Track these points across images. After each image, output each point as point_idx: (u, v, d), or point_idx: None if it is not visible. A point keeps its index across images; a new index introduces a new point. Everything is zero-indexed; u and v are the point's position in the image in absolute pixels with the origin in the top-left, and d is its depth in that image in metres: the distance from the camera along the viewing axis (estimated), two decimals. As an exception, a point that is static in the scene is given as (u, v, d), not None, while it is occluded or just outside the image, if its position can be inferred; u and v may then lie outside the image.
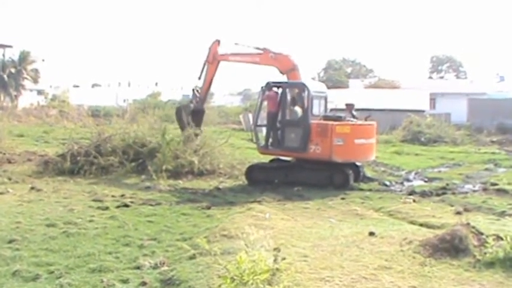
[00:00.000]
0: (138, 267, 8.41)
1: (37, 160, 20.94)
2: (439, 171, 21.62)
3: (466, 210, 13.15)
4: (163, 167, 18.22)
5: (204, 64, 20.75)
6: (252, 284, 6.12)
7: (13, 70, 65.36)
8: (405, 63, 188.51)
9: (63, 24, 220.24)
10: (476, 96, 55.55)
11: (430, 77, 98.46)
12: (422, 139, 35.10)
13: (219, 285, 6.42)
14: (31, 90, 70.23)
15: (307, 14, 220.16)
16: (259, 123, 18.80)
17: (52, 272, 8.08)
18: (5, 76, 64.16)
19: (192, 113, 20.87)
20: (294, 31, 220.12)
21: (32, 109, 55.08)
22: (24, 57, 67.21)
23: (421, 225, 11.48)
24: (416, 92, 53.05)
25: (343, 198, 15.20)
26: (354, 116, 18.80)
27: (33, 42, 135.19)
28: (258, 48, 19.32)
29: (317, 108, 17.88)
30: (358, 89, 61.44)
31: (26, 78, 67.04)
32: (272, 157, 18.91)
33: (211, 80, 20.78)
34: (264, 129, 18.66)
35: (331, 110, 20.21)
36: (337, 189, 16.43)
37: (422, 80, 78.10)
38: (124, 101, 51.44)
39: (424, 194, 15.89)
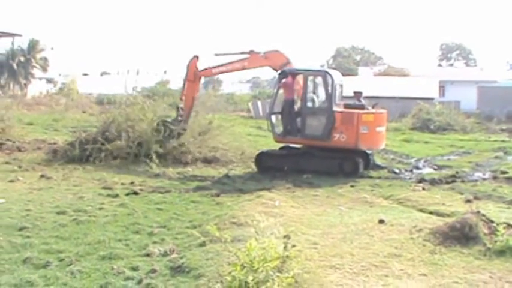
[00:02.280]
0: (148, 255, 8.43)
1: (46, 148, 21.01)
2: (449, 159, 21.55)
3: (476, 198, 13.10)
4: (152, 151, 18.33)
5: (184, 83, 20.28)
6: (262, 271, 6.12)
7: (22, 59, 65.48)
8: (414, 51, 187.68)
9: (72, 12, 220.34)
10: (486, 84, 55.24)
11: (440, 65, 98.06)
12: (432, 127, 35.00)
13: (229, 273, 6.43)
14: (40, 79, 70.40)
15: (316, 1, 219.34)
16: (274, 110, 18.55)
17: (62, 260, 8.11)
18: (15, 65, 64.30)
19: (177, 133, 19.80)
20: (303, 19, 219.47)
21: (41, 97, 55.18)
22: (33, 46, 67.34)
23: (431, 213, 11.46)
24: (426, 79, 52.95)
25: (352, 186, 15.17)
26: (362, 103, 18.68)
27: (42, 31, 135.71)
28: (243, 53, 19.02)
29: (337, 97, 17.75)
30: (367, 76, 61.33)
31: (35, 66, 67.17)
32: (282, 144, 18.79)
33: (194, 97, 20.37)
34: (274, 117, 18.47)
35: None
36: (347, 177, 16.39)
37: (432, 67, 77.85)
38: (133, 89, 51.42)
39: (433, 182, 15.83)
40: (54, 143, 22.32)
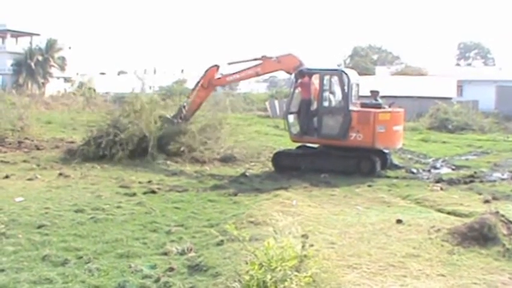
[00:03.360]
0: (165, 253, 8.45)
1: (65, 147, 21.17)
2: (467, 159, 21.42)
3: (494, 198, 12.99)
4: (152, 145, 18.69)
5: (197, 85, 20.38)
6: (280, 270, 6.11)
7: (40, 58, 65.98)
8: (432, 50, 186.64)
9: (89, 11, 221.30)
10: (505, 83, 54.77)
11: (458, 64, 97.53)
12: (450, 126, 34.82)
13: (247, 271, 6.42)
14: (58, 78, 70.86)
15: (334, 1, 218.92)
16: (291, 110, 18.52)
17: (81, 257, 8.16)
18: (33, 64, 64.77)
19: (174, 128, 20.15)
20: (321, 18, 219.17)
21: (59, 96, 55.53)
22: (51, 45, 67.80)
23: (448, 213, 11.40)
24: (444, 79, 52.58)
25: (369, 186, 15.13)
26: (378, 102, 18.64)
27: (60, 30, 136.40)
28: (256, 59, 18.99)
29: (354, 96, 17.71)
30: (384, 76, 61.05)
31: (53, 65, 67.66)
32: (299, 144, 18.77)
33: (201, 103, 20.50)
34: (291, 117, 18.41)
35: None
36: (364, 177, 16.35)
37: (450, 67, 77.30)
38: (150, 88, 51.56)
39: (451, 182, 15.75)
40: (72, 142, 22.48)
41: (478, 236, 8.63)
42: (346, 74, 17.39)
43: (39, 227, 9.88)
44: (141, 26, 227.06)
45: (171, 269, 7.65)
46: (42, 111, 38.95)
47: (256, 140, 23.01)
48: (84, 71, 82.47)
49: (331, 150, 17.45)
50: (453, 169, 18.83)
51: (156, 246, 8.90)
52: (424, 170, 18.34)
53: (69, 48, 74.25)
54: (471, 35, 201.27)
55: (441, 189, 14.66)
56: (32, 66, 64.76)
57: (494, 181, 16.11)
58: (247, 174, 16.84)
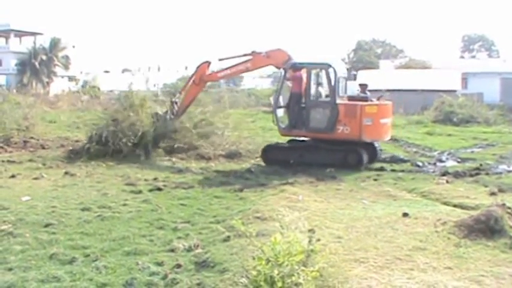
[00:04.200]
0: (172, 250, 8.46)
1: (70, 145, 21.21)
2: (472, 152, 21.40)
3: (500, 190, 12.96)
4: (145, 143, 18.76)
5: (188, 82, 20.54)
6: (287, 265, 6.11)
7: (44, 57, 66.18)
8: (436, 43, 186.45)
9: (93, 10, 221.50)
10: (510, 75, 54.65)
11: (462, 57, 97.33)
12: (455, 119, 34.75)
13: (254, 267, 6.42)
14: (62, 77, 71.08)
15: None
16: (279, 104, 18.69)
17: (88, 255, 8.17)
18: (37, 63, 64.97)
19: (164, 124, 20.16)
20: (324, 12, 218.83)
21: (63, 95, 55.66)
22: (55, 44, 68.02)
23: (455, 206, 11.38)
24: (448, 71, 52.46)
25: (375, 180, 15.13)
26: (367, 96, 18.80)
27: (63, 29, 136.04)
28: (245, 55, 19.08)
29: (341, 89, 17.97)
30: (388, 69, 60.99)
31: (57, 64, 67.88)
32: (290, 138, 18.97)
33: (193, 99, 20.57)
34: (279, 111, 18.59)
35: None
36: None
37: (454, 59, 77.09)
38: (154, 85, 51.58)
39: (457, 175, 15.72)
40: (77, 141, 22.52)
41: (485, 228, 8.61)
42: (333, 67, 17.50)
43: (46, 225, 9.89)
44: (145, 23, 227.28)
45: (178, 266, 7.65)
46: (47, 110, 38.97)
47: (261, 136, 22.97)
48: (88, 70, 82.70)
49: (320, 143, 17.66)
50: (459, 162, 18.82)
51: (163, 243, 8.90)
52: (429, 163, 18.32)
53: (73, 47, 74.45)
54: (475, 27, 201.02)
55: (447, 182, 14.63)
56: (36, 66, 64.97)
57: (500, 173, 16.09)
58: (252, 169, 16.86)
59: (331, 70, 17.37)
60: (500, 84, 49.71)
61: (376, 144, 18.32)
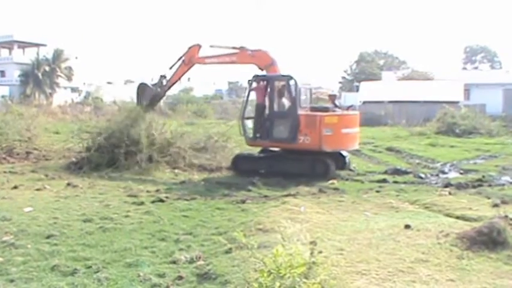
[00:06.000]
0: (174, 262, 8.44)
1: (72, 157, 21.17)
2: (475, 163, 21.35)
3: (503, 202, 12.91)
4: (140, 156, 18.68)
5: (178, 60, 20.86)
6: (288, 277, 6.10)
7: (47, 68, 66.36)
8: (438, 55, 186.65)
9: (95, 21, 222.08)
10: (512, 86, 54.73)
11: (464, 68, 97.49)
12: (457, 131, 34.69)
13: (256, 279, 6.42)
14: (65, 88, 71.22)
15: (340, 6, 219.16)
16: (246, 115, 18.89)
17: (90, 267, 8.16)
18: (40, 74, 65.11)
19: (151, 96, 21.37)
20: (327, 24, 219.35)
21: (66, 106, 55.77)
22: (58, 55, 68.20)
23: (457, 217, 11.35)
24: (450, 83, 52.52)
25: (377, 191, 15.10)
26: (336, 106, 19.22)
27: (66, 40, 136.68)
28: (234, 48, 19.42)
29: (304, 100, 18.32)
30: (391, 81, 61.06)
31: (60, 76, 68.05)
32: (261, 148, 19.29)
33: (181, 77, 21.40)
34: (247, 122, 18.84)
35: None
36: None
37: (456, 71, 77.21)
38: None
39: (460, 186, 15.68)
40: (80, 151, 22.47)
41: (487, 240, 8.60)
42: (293, 79, 17.76)
43: (48, 237, 9.89)
44: (148, 34, 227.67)
45: (180, 278, 7.64)
46: (50, 121, 39.00)
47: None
48: (91, 81, 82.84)
49: (288, 154, 18.02)
50: (461, 173, 18.78)
51: (165, 254, 8.89)
52: (432, 175, 18.29)
53: (76, 58, 74.72)
54: (477, 38, 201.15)
55: (449, 193, 14.60)
56: (39, 77, 65.14)
57: (503, 185, 16.05)
58: (254, 181, 16.84)
59: (292, 82, 17.68)
60: (503, 95, 49.77)
61: (344, 154, 18.75)
